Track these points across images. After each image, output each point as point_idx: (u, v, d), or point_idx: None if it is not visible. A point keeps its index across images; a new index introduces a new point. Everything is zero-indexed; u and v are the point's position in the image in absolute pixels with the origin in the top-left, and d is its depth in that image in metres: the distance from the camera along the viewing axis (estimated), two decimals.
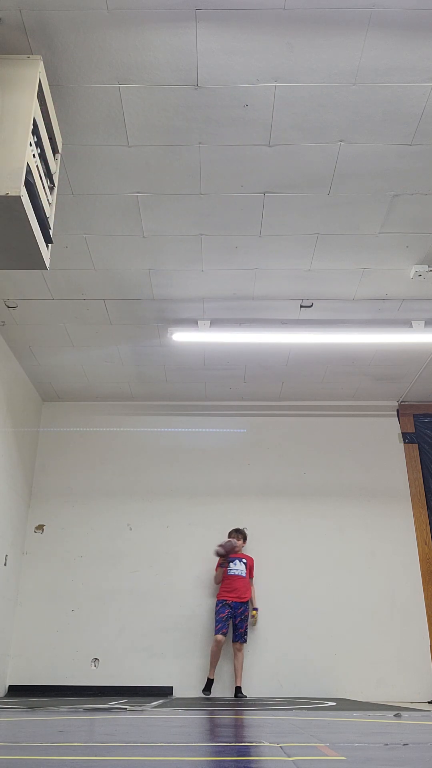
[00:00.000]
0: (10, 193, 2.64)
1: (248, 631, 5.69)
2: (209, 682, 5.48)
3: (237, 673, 5.50)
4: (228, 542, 5.72)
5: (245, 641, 5.58)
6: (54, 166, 3.19)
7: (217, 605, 5.64)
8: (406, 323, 5.18)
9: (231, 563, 5.76)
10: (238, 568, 5.76)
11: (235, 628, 5.60)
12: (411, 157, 3.61)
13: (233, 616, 5.59)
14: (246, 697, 5.38)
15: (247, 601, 5.68)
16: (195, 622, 5.88)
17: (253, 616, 5.72)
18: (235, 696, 5.42)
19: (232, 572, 5.72)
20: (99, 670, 5.74)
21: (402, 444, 6.59)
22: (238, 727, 2.37)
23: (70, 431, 6.61)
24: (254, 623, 5.74)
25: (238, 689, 5.45)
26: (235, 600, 5.62)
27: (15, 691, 5.59)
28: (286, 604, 5.89)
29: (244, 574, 5.75)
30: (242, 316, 5.13)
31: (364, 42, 2.97)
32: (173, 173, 3.73)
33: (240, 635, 5.57)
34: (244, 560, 5.84)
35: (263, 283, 4.72)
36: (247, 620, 5.64)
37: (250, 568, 5.85)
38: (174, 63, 3.07)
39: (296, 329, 5.19)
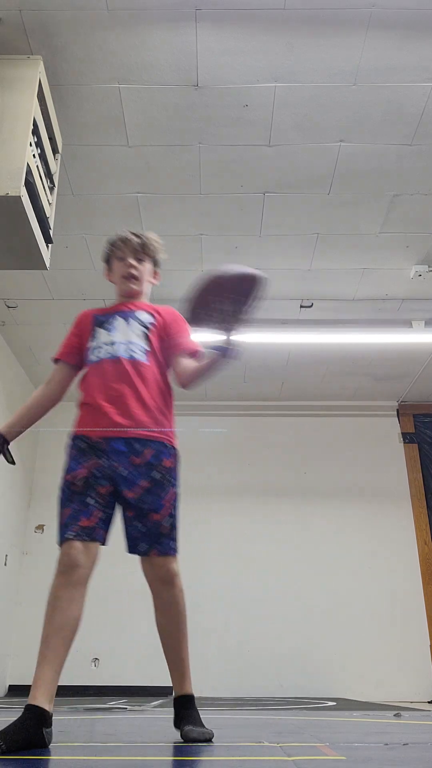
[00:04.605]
0: (10, 193, 2.64)
1: None
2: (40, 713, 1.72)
3: (172, 662, 2.03)
4: None
5: (174, 552, 2.00)
6: (54, 166, 3.19)
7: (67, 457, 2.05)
8: (406, 323, 5.17)
9: (100, 331, 2.12)
10: (119, 337, 2.09)
11: (129, 516, 1.97)
12: (411, 157, 3.61)
13: (112, 480, 1.95)
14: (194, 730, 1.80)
15: (159, 442, 2.03)
16: (195, 622, 5.85)
17: None
18: (177, 714, 1.89)
19: (101, 357, 2.10)
20: (99, 670, 5.74)
21: (402, 444, 6.59)
22: (238, 727, 2.38)
23: (70, 431, 6.59)
24: None
25: (182, 700, 1.91)
26: (112, 435, 1.99)
27: (15, 691, 5.58)
28: (286, 604, 5.88)
29: (141, 357, 2.09)
30: None
31: (364, 42, 2.97)
32: (173, 173, 3.73)
33: (154, 539, 1.99)
34: (148, 314, 2.14)
35: None
36: (167, 494, 1.98)
37: (167, 329, 2.14)
38: (174, 63, 3.07)
39: (296, 329, 5.18)
